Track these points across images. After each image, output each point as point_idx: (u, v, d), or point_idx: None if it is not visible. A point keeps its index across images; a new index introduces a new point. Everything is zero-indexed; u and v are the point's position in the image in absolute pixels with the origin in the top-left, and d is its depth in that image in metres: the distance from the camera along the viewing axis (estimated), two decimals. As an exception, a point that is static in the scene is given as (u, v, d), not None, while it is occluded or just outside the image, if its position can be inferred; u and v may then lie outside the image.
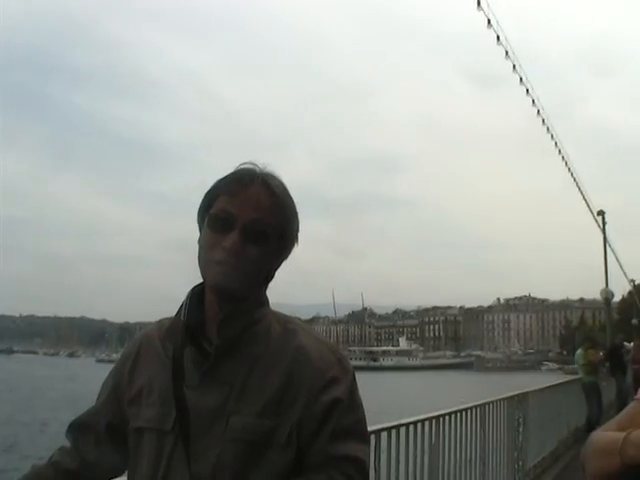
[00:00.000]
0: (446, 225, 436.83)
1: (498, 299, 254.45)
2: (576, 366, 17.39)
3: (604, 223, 30.87)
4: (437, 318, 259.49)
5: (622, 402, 17.72)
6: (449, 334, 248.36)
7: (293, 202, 1.99)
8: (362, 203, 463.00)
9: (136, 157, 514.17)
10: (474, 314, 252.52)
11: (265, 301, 2.00)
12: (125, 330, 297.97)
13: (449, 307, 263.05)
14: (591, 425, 14.81)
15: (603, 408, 16.59)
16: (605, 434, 1.78)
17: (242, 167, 1.96)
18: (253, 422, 1.81)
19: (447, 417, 6.45)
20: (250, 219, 1.86)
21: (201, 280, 1.96)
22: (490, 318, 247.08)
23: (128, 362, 2.04)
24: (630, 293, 61.25)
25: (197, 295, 1.96)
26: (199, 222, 1.96)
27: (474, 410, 7.41)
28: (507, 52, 16.20)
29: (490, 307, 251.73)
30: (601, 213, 30.86)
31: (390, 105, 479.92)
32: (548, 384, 13.08)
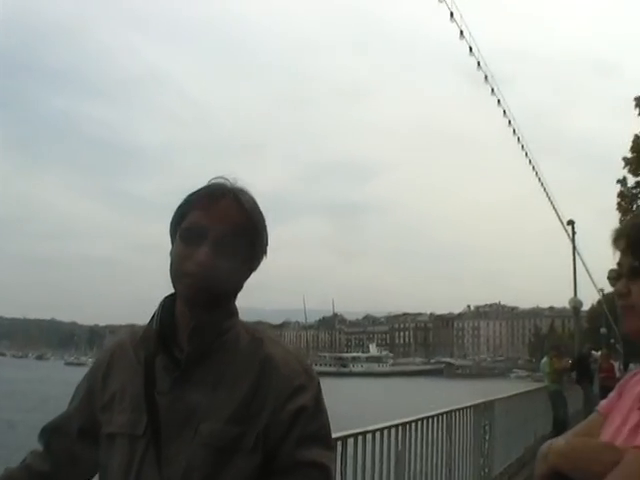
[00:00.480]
0: (417, 232, 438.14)
1: (468, 306, 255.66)
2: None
3: (574, 232, 31.14)
4: (407, 325, 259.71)
5: (589, 411, 17.77)
6: (419, 341, 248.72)
7: (263, 216, 2.06)
8: (333, 208, 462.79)
9: (110, 158, 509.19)
10: (444, 321, 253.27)
11: (234, 311, 2.07)
12: (95, 333, 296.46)
13: (419, 314, 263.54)
14: (557, 432, 14.93)
15: (569, 416, 16.76)
16: (548, 442, 1.84)
17: (213, 182, 2.02)
18: (222, 428, 1.87)
19: (414, 424, 6.53)
20: (221, 232, 1.92)
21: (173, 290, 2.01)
22: (460, 325, 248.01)
23: (101, 369, 2.09)
24: (599, 302, 61.63)
25: (169, 304, 2.02)
26: (171, 234, 2.02)
27: (441, 417, 7.49)
28: (479, 63, 16.38)
29: (460, 314, 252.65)
30: (571, 223, 31.13)
31: (365, 110, 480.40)
32: (515, 392, 13.21)
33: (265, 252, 2.08)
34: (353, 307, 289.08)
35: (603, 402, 2.03)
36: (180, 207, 2.02)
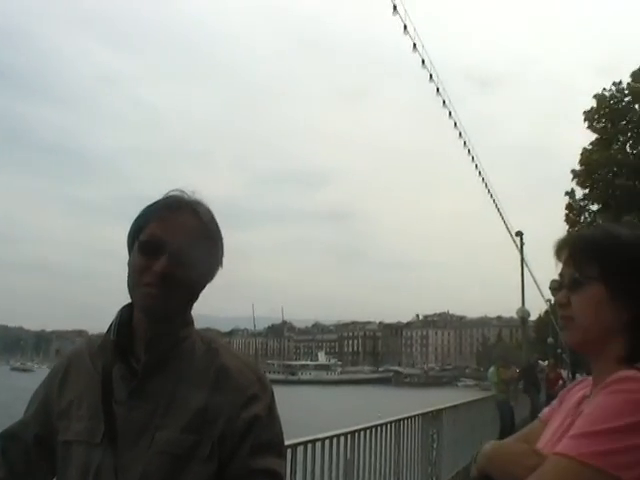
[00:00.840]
0: (367, 241, 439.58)
1: (417, 315, 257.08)
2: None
3: (522, 243, 31.53)
4: (356, 333, 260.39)
5: (535, 419, 18.10)
6: (368, 349, 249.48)
7: (219, 228, 2.10)
8: (282, 216, 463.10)
9: (60, 163, 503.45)
10: (393, 330, 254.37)
11: (190, 321, 2.10)
12: (41, 338, 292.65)
13: (368, 322, 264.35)
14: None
15: (516, 425, 16.93)
16: (483, 445, 1.89)
17: (171, 194, 2.06)
18: (177, 437, 1.90)
19: (362, 432, 6.57)
20: (179, 244, 1.96)
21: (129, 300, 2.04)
22: (409, 334, 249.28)
23: (57, 377, 2.10)
24: (546, 312, 62.46)
25: (126, 314, 2.03)
26: (129, 245, 2.05)
27: (389, 426, 7.55)
28: (431, 75, 16.50)
29: (409, 323, 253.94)
30: (519, 234, 31.51)
31: (318, 118, 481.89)
32: (462, 401, 13.34)
33: (221, 263, 2.11)
34: (302, 315, 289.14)
35: (545, 409, 2.09)
36: (138, 219, 2.04)
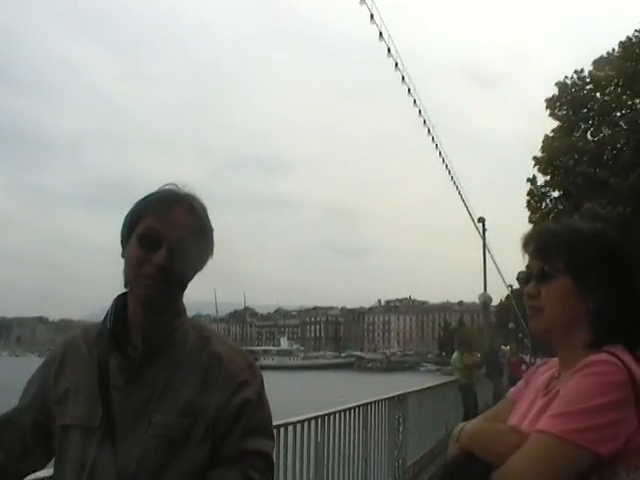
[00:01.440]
0: (330, 227, 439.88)
1: (379, 301, 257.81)
2: (453, 368, 17.86)
3: (484, 230, 31.72)
4: (318, 318, 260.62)
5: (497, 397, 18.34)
6: (330, 334, 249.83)
7: (210, 220, 2.19)
8: (246, 202, 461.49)
9: (19, 149, 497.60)
10: (355, 315, 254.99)
11: (183, 310, 2.19)
12: (2, 325, 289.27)
13: (330, 307, 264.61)
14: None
15: (479, 409, 17.13)
16: (458, 425, 2.01)
17: (166, 188, 2.14)
18: (173, 420, 1.99)
19: (332, 416, 6.66)
20: (176, 237, 2.05)
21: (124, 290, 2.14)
22: (371, 319, 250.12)
23: (54, 364, 2.17)
24: (507, 298, 62.99)
25: (121, 304, 2.12)
26: (123, 238, 2.13)
27: (357, 410, 7.64)
28: (397, 64, 16.55)
29: (371, 308, 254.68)
30: (481, 220, 31.67)
31: (279, 104, 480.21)
32: (427, 385, 13.49)
33: (212, 253, 2.20)
34: (264, 301, 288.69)
35: (512, 390, 2.22)
36: (133, 212, 2.12)
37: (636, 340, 1.87)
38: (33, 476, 2.37)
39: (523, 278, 2.00)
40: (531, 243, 2.01)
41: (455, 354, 17.89)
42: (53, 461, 2.14)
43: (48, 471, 2.37)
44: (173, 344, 2.10)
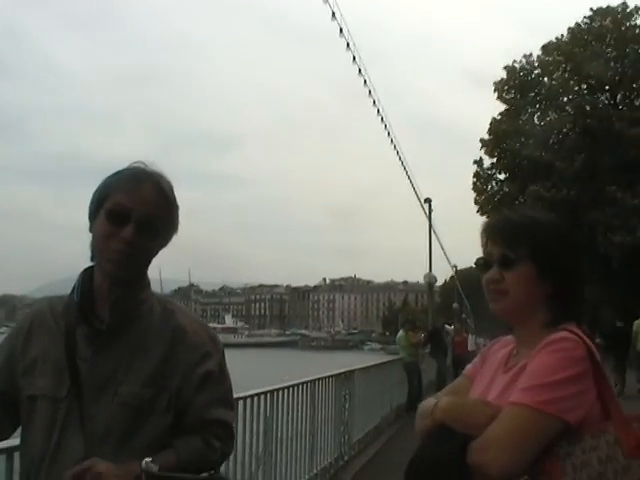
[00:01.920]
0: (276, 205, 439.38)
1: (324, 279, 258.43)
2: (397, 347, 18.03)
3: (430, 210, 31.90)
4: (263, 296, 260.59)
5: (442, 381, 18.61)
6: (275, 312, 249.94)
7: (176, 198, 2.24)
8: (192, 177, 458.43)
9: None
10: (300, 293, 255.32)
11: (147, 283, 2.25)
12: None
13: (275, 285, 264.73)
14: (412, 403, 15.49)
15: (423, 387, 17.38)
16: (427, 401, 2.12)
17: (134, 166, 2.20)
18: (138, 390, 2.06)
19: (280, 392, 6.74)
20: (144, 214, 2.10)
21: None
22: (316, 298, 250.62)
23: (20, 336, 2.20)
24: (452, 278, 63.60)
25: (87, 277, 2.17)
26: (91, 213, 2.17)
27: (305, 386, 7.73)
28: (348, 44, 16.52)
29: (316, 287, 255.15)
30: (428, 200, 31.83)
31: (228, 81, 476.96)
32: (373, 363, 13.63)
33: (177, 229, 2.26)
34: (210, 278, 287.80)
35: (469, 366, 2.35)
36: (102, 188, 2.17)
37: (581, 318, 2.05)
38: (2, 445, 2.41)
39: (482, 264, 2.13)
40: (494, 231, 2.15)
41: (400, 332, 18.11)
42: (20, 431, 2.19)
43: (14, 441, 2.41)
44: (139, 317, 2.16)
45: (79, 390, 2.04)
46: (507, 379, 2.02)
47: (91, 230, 2.15)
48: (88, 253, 2.17)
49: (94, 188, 2.17)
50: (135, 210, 2.09)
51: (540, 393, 1.82)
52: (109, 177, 2.18)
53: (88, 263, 2.19)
